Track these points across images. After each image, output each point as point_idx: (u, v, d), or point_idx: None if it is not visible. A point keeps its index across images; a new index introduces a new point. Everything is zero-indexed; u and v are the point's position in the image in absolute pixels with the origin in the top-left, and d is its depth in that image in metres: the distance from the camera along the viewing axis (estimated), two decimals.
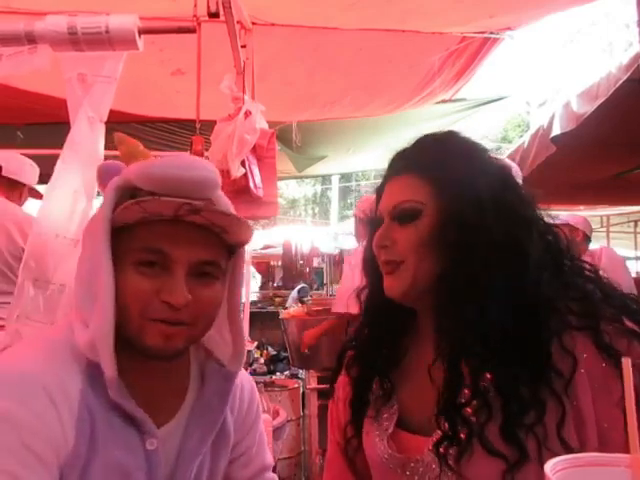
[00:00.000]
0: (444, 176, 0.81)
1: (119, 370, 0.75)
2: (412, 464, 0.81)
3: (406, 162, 0.86)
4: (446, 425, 0.76)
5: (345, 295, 3.09)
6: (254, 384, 1.01)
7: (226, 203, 0.84)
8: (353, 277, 3.04)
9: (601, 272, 0.83)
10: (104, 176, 0.83)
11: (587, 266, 0.84)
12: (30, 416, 0.69)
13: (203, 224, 0.77)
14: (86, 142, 1.70)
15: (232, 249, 0.84)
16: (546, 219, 0.84)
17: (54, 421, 0.71)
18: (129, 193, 0.78)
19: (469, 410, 0.75)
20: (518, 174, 2.08)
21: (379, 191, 0.90)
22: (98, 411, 0.75)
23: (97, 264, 0.76)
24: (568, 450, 0.70)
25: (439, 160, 0.83)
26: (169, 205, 0.74)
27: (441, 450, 0.76)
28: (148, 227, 0.76)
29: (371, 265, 0.90)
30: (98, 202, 0.87)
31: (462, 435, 0.75)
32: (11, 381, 0.71)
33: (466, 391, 0.76)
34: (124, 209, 0.75)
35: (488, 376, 0.75)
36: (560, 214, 3.86)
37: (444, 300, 0.79)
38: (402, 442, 0.84)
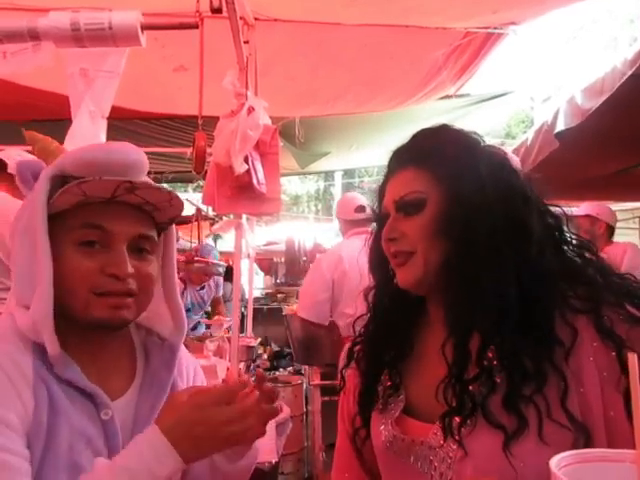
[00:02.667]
0: (442, 163, 0.83)
1: (68, 349, 0.81)
2: (417, 448, 0.82)
3: (403, 157, 0.89)
4: (453, 400, 0.78)
5: (312, 299, 3.05)
6: (197, 362, 1.06)
7: (152, 184, 0.89)
8: (324, 279, 3.01)
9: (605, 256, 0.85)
10: (25, 172, 0.87)
11: (587, 246, 0.85)
12: None
13: (136, 203, 0.84)
14: (87, 136, 1.70)
15: (162, 227, 0.91)
16: (560, 210, 0.86)
17: (11, 392, 0.74)
18: (59, 183, 0.82)
19: (475, 385, 0.78)
20: (516, 163, 2.07)
21: (381, 190, 0.92)
22: (53, 383, 0.79)
23: (35, 251, 0.80)
24: (574, 422, 0.72)
25: (434, 149, 0.85)
26: (109, 185, 0.80)
27: (447, 423, 0.78)
28: (85, 208, 0.81)
29: (379, 260, 0.92)
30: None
31: (467, 408, 0.77)
32: None
33: (473, 367, 0.78)
34: (64, 192, 0.79)
35: (493, 350, 0.78)
36: (580, 204, 3.83)
37: (454, 281, 0.81)
38: (407, 427, 0.86)
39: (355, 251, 3.38)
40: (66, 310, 0.82)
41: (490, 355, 0.78)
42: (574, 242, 0.85)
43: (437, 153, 0.85)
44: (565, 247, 0.84)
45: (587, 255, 0.84)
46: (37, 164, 0.88)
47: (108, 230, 0.82)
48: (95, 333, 0.85)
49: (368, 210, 3.22)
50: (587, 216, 3.52)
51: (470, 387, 0.78)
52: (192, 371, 1.02)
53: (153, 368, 0.93)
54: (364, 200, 3.16)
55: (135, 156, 0.85)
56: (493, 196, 0.79)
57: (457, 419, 0.77)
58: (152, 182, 0.86)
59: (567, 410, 0.73)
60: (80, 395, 0.81)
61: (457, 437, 0.77)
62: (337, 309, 2.98)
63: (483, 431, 0.75)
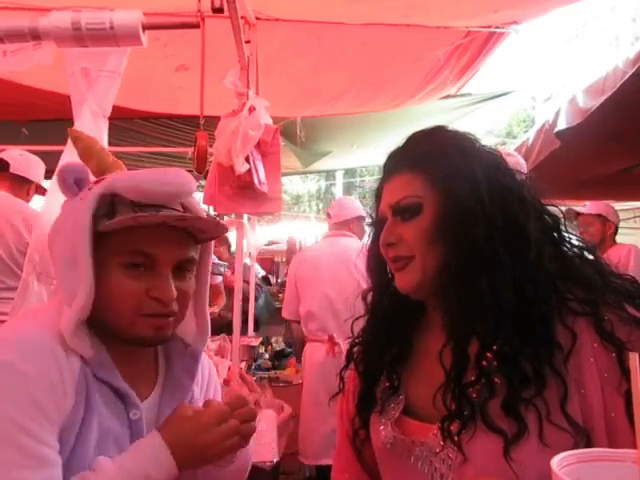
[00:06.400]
0: (436, 167, 0.83)
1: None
2: (417, 448, 0.82)
3: (398, 161, 0.89)
4: (452, 404, 0.78)
5: (286, 297, 3.28)
6: (212, 364, 1.10)
7: (197, 204, 0.94)
8: (290, 278, 3.21)
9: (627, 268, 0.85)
10: (68, 177, 0.87)
11: (586, 246, 0.85)
12: (38, 373, 0.76)
13: (183, 227, 0.88)
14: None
15: (201, 241, 0.94)
16: (558, 210, 0.85)
17: (58, 382, 0.78)
18: (107, 200, 0.85)
19: (474, 389, 0.77)
20: (519, 163, 2.07)
21: (377, 193, 0.92)
22: (93, 383, 0.83)
23: (76, 266, 0.81)
24: (574, 426, 0.72)
25: (429, 153, 0.85)
26: (163, 217, 0.84)
27: (446, 427, 0.78)
28: (133, 232, 0.83)
29: (377, 263, 0.93)
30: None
31: (466, 412, 0.76)
32: (25, 340, 0.79)
33: (472, 371, 0.78)
34: (120, 222, 0.81)
35: (492, 355, 0.77)
36: (581, 203, 3.81)
37: (452, 285, 0.80)
38: (407, 427, 0.85)
39: (318, 251, 3.76)
40: (109, 327, 0.85)
41: (489, 359, 0.77)
42: (573, 242, 0.85)
43: (431, 156, 0.84)
44: (564, 247, 0.84)
45: (586, 255, 0.84)
46: (81, 169, 0.89)
47: (154, 256, 0.85)
48: (126, 344, 0.89)
49: (331, 215, 3.51)
50: (599, 215, 3.49)
51: (469, 391, 0.77)
52: (207, 373, 1.05)
53: (175, 373, 0.96)
54: (334, 208, 3.35)
55: (187, 183, 0.88)
56: (488, 198, 0.79)
57: (456, 424, 0.77)
58: (191, 206, 0.91)
59: (567, 414, 0.72)
60: (113, 395, 0.86)
61: (457, 440, 0.76)
62: (299, 308, 3.15)
63: (483, 436, 0.75)
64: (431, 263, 0.82)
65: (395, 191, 0.86)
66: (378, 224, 0.90)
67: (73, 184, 0.87)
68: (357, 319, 0.98)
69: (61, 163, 1.65)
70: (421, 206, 0.83)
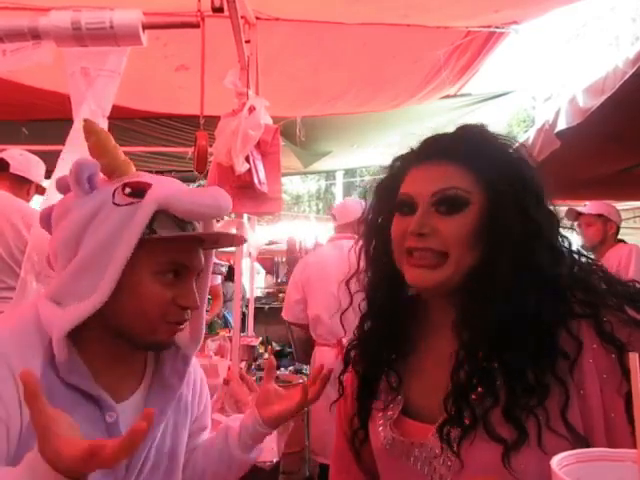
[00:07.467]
0: (489, 167, 0.80)
1: (87, 353, 0.86)
2: (416, 450, 0.81)
3: (445, 149, 0.83)
4: (452, 409, 0.77)
5: (288, 301, 3.28)
6: (202, 372, 1.13)
7: (236, 234, 1.03)
8: (294, 281, 3.22)
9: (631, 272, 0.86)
10: (81, 173, 0.86)
11: (585, 252, 0.85)
12: None
13: (206, 240, 0.93)
14: None
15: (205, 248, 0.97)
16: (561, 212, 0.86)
17: (11, 390, 0.76)
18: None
19: (476, 394, 0.77)
20: None
21: (399, 174, 0.86)
22: (58, 387, 0.82)
23: (106, 268, 0.82)
24: (573, 433, 0.71)
25: (482, 150, 0.82)
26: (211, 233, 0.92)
27: (445, 433, 0.77)
28: (166, 242, 0.86)
29: (383, 254, 0.88)
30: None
31: (466, 419, 0.76)
32: None
33: (476, 377, 0.77)
34: (169, 235, 0.86)
35: (497, 361, 0.76)
36: (581, 203, 3.81)
37: (480, 288, 0.78)
38: (406, 428, 0.85)
39: (322, 255, 3.76)
40: (126, 329, 0.86)
41: (494, 365, 0.77)
42: (574, 247, 0.84)
43: (484, 154, 0.81)
44: (573, 255, 0.83)
45: (588, 261, 0.84)
46: (95, 167, 0.89)
47: (187, 267, 0.89)
48: (126, 344, 0.89)
49: (336, 217, 3.51)
50: (600, 215, 3.49)
51: (471, 396, 0.77)
52: (199, 382, 1.07)
53: (164, 373, 0.97)
54: (338, 210, 3.36)
55: (229, 206, 0.92)
56: (531, 206, 0.78)
57: (455, 430, 0.76)
58: (233, 229, 1.00)
59: (567, 421, 0.72)
60: (85, 398, 0.84)
61: (455, 448, 0.76)
62: (306, 311, 3.17)
63: (482, 444, 0.75)
64: (465, 264, 0.78)
65: (436, 180, 0.80)
66: (398, 208, 0.83)
67: (86, 181, 0.86)
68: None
69: (60, 162, 1.65)
70: (467, 202, 0.79)
